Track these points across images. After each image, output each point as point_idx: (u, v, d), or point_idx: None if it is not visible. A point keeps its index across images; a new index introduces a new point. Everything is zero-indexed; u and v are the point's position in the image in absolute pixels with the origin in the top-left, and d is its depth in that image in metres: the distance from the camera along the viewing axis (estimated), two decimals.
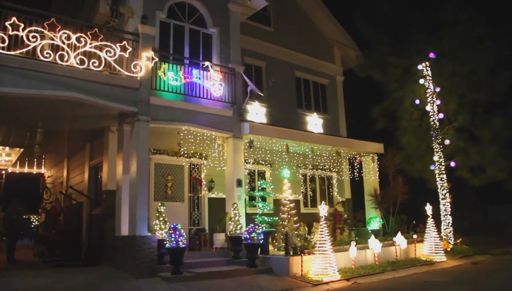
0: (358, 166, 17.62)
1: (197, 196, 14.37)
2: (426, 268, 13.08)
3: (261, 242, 11.70)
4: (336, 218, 16.75)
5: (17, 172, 19.17)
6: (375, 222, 16.82)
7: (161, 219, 11.28)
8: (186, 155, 13.97)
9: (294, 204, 14.75)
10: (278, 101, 17.15)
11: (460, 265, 13.92)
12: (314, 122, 17.62)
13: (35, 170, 19.64)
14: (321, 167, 18.03)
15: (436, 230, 14.61)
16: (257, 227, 11.75)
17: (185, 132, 13.12)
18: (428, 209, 14.81)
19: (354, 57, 19.38)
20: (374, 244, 12.88)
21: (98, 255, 12.91)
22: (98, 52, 10.77)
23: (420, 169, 17.32)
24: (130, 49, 11.31)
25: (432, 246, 14.39)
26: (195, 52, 13.63)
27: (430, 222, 14.70)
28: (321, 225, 11.26)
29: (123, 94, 11.06)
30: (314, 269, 10.91)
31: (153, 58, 11.61)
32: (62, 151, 16.96)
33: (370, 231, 16.13)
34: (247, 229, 11.77)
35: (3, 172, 18.84)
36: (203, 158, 14.44)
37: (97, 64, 10.64)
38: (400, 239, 13.79)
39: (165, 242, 10.51)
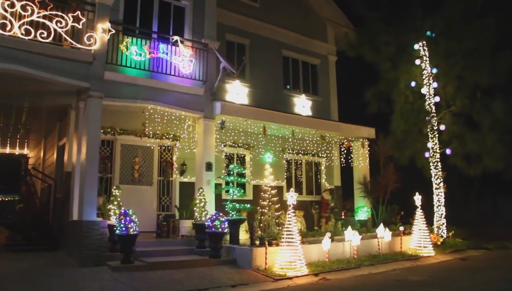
0: (346, 151, 16.57)
1: (167, 180, 13.58)
2: (409, 264, 12.04)
3: (225, 230, 10.84)
4: (322, 207, 15.95)
5: None
6: (362, 212, 15.77)
7: (116, 203, 10.55)
8: (155, 136, 13.18)
9: (276, 190, 13.92)
10: (262, 81, 16.15)
11: (448, 260, 12.82)
12: (302, 104, 16.56)
13: (17, 151, 19.09)
14: (308, 152, 17.03)
15: (425, 222, 13.54)
16: (221, 214, 10.89)
17: (151, 111, 12.32)
18: (417, 199, 13.71)
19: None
20: (352, 236, 11.88)
21: (59, 240, 12.26)
22: (47, 22, 9.94)
23: (410, 156, 16.11)
24: (84, 20, 10.43)
25: (420, 239, 13.34)
26: (165, 26, 12.75)
27: (419, 213, 13.63)
28: (288, 214, 10.36)
29: (74, 68, 10.24)
30: (279, 262, 10.05)
31: (109, 30, 10.76)
32: (39, 131, 16.35)
33: (357, 222, 15.19)
34: (210, 216, 10.93)
35: None
36: (175, 139, 13.61)
37: (45, 35, 9.82)
38: (382, 231, 12.73)
39: (115, 228, 9.75)
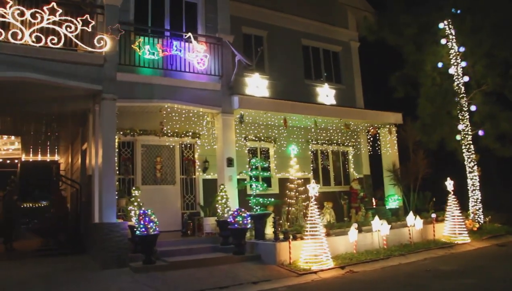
0: (372, 139, 16.07)
1: (190, 178, 13.47)
2: (442, 252, 11.54)
3: (248, 226, 10.66)
4: (351, 197, 15.49)
5: (31, 160, 18.98)
6: (393, 200, 15.25)
7: (136, 204, 10.50)
8: (175, 134, 13.09)
9: (303, 182, 13.53)
10: (282, 72, 15.79)
11: (484, 247, 12.23)
12: (325, 93, 16.16)
13: (48, 158, 19.43)
14: (333, 142, 16.57)
15: (459, 208, 12.97)
16: (242, 210, 10.70)
17: (168, 110, 12.21)
18: (449, 184, 13.16)
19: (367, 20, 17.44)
20: (380, 226, 11.47)
21: (85, 243, 12.38)
22: (57, 28, 9.96)
23: (438, 140, 15.45)
24: (93, 23, 10.41)
25: (454, 226, 12.80)
26: (177, 23, 12.68)
27: (452, 198, 13.10)
28: (311, 206, 10.04)
29: (85, 71, 10.26)
30: (304, 256, 9.77)
31: (119, 31, 10.68)
32: (66, 137, 16.56)
33: (388, 210, 14.73)
34: (232, 212, 10.76)
35: (16, 161, 18.68)
36: (195, 137, 13.49)
37: (56, 41, 9.86)
38: (412, 219, 12.25)
39: (135, 229, 9.70)
